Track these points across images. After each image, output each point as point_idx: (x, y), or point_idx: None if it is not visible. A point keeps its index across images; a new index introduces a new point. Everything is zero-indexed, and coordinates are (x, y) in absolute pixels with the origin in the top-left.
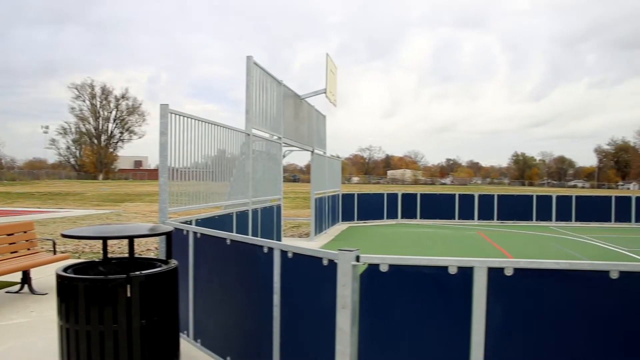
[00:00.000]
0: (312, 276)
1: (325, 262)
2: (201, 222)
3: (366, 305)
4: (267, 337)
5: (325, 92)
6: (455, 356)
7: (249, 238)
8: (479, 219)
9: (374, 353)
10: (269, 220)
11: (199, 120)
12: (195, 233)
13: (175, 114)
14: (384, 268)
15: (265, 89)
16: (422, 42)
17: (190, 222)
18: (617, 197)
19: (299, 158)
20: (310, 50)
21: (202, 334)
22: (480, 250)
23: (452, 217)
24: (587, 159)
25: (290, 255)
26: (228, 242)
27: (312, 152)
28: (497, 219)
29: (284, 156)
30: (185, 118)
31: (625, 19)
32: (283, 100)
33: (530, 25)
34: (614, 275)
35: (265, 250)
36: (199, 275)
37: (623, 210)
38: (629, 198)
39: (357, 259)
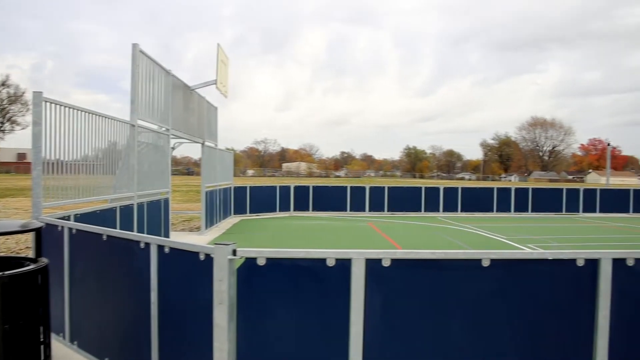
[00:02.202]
0: (189, 271)
1: (202, 257)
2: (81, 218)
3: (244, 300)
4: (145, 336)
5: (215, 83)
6: (334, 348)
7: (125, 233)
8: (370, 210)
9: (253, 349)
10: (156, 214)
11: (78, 110)
12: (70, 229)
13: (51, 103)
14: (261, 262)
15: (152, 78)
16: (315, 36)
17: (68, 218)
18: (498, 189)
19: (193, 151)
20: (204, 41)
21: (78, 336)
22: (370, 241)
23: (344, 209)
24: (473, 153)
25: (167, 250)
26: (104, 237)
27: (203, 144)
28: (388, 210)
29: (173, 148)
30: (63, 107)
31: (504, 22)
32: (172, 91)
33: (419, 23)
34: (486, 263)
35: (142, 245)
36: (75, 274)
37: (504, 200)
38: (509, 189)
39: (234, 252)
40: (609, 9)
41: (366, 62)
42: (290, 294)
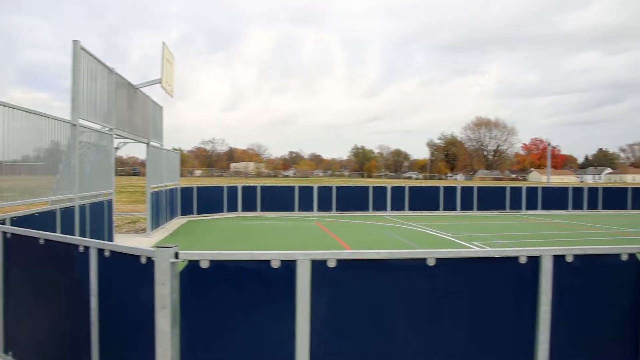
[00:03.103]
0: (131, 276)
1: (143, 260)
2: (18, 221)
3: (187, 305)
4: (85, 344)
5: (161, 82)
6: (281, 351)
7: (64, 237)
8: (318, 210)
9: (197, 354)
10: (99, 216)
11: (15, 109)
12: (5, 233)
13: None
14: (204, 264)
15: (95, 76)
16: (262, 36)
17: (3, 222)
18: (445, 188)
19: (139, 151)
20: (150, 40)
21: (13, 346)
22: (318, 241)
23: (292, 209)
24: (420, 152)
25: (107, 254)
26: (41, 241)
27: (148, 144)
28: (336, 210)
29: (117, 148)
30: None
31: (448, 25)
32: (115, 90)
33: (365, 25)
34: (431, 262)
35: (81, 249)
36: (10, 281)
37: (450, 199)
38: (455, 188)
39: (176, 255)
40: (546, 14)
41: (313, 62)
42: (235, 297)
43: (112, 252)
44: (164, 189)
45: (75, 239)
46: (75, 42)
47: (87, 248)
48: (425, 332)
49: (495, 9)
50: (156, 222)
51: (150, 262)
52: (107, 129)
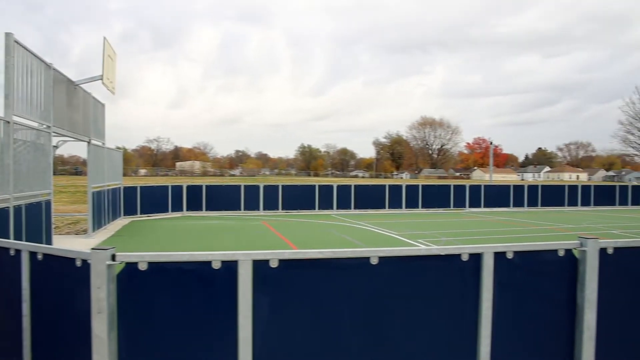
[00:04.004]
0: (66, 279)
1: (78, 263)
2: None
3: (125, 309)
4: (16, 353)
5: (102, 79)
6: (223, 354)
7: None
8: (264, 209)
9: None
10: (36, 217)
11: None
12: None
13: None
14: (143, 266)
15: (30, 72)
16: (207, 34)
17: None
18: (390, 186)
19: (81, 149)
20: (91, 35)
21: None
22: (263, 240)
23: (238, 208)
24: (366, 151)
25: (40, 257)
26: None
27: (89, 142)
28: (282, 209)
29: (56, 147)
30: None
31: (391, 25)
32: (54, 86)
33: (310, 24)
34: (374, 260)
35: (12, 252)
36: None
37: (395, 197)
38: (400, 187)
39: (113, 257)
40: (485, 17)
41: (258, 61)
42: (175, 300)
43: (45, 255)
44: (106, 189)
45: (5, 241)
46: (7, 35)
47: (18, 251)
48: (368, 331)
49: (436, 11)
50: (98, 223)
51: (86, 265)
52: (44, 126)
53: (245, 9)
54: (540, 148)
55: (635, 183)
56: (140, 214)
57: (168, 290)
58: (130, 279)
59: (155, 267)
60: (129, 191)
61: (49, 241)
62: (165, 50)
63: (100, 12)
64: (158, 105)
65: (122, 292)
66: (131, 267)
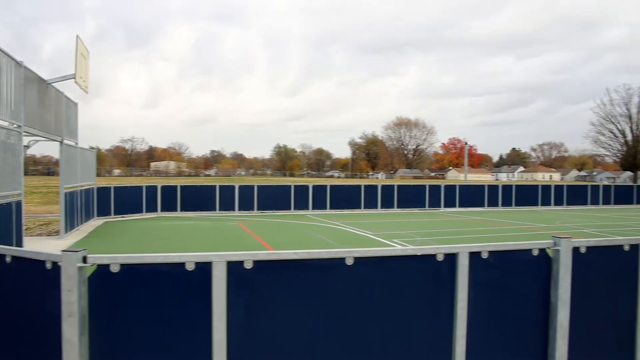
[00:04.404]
0: (35, 283)
1: (48, 266)
2: None
3: (97, 312)
4: None
5: (74, 78)
6: (197, 357)
7: None
8: (239, 209)
9: None
10: (6, 219)
11: None
12: None
13: None
14: (115, 268)
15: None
16: (182, 33)
17: None
18: (366, 186)
19: (53, 149)
20: (64, 34)
21: None
22: (239, 241)
23: (213, 208)
24: (342, 151)
25: (8, 259)
26: None
27: (62, 142)
28: (258, 209)
29: (27, 147)
30: None
31: (365, 26)
32: (24, 85)
33: (286, 24)
34: (350, 261)
35: None
36: None
37: (371, 197)
38: (376, 187)
39: (84, 259)
40: (458, 19)
41: (233, 60)
42: (148, 302)
43: (14, 257)
44: (79, 189)
45: None
46: None
47: None
48: (343, 332)
49: (411, 12)
50: (70, 224)
51: (56, 267)
52: (15, 125)
53: (220, 9)
54: (514, 148)
55: (606, 183)
56: (114, 214)
57: (141, 293)
58: (102, 282)
59: (128, 269)
60: (103, 192)
61: (19, 243)
62: (140, 49)
63: (73, 10)
64: (132, 105)
65: (93, 295)
66: (103, 269)
